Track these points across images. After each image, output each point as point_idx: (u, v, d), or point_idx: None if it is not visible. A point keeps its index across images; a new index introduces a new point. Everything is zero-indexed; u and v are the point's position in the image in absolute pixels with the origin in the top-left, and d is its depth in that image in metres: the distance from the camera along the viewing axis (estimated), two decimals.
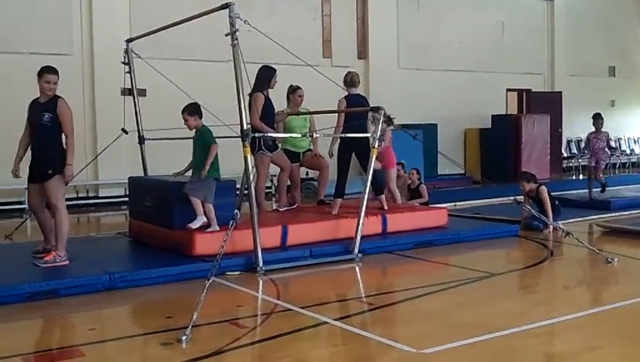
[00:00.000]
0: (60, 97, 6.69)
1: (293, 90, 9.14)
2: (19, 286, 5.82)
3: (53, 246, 6.70)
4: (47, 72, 6.67)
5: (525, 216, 8.88)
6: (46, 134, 6.60)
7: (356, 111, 8.31)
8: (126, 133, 9.47)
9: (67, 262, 6.61)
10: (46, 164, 6.56)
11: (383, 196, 8.67)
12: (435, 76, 17.70)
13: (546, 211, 8.82)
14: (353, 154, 8.47)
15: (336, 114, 8.47)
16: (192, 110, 7.28)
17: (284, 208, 8.80)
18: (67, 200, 6.86)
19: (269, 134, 7.92)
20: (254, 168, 6.98)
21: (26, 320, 5.44)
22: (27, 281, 5.94)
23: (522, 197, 9.04)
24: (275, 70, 8.42)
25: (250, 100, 8.11)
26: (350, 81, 8.58)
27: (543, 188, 9.12)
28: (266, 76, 8.34)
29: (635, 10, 22.42)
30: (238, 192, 8.25)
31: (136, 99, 9.38)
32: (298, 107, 9.15)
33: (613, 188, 13.99)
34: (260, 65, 8.45)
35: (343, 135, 8.20)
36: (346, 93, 8.51)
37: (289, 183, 9.13)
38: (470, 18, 18.48)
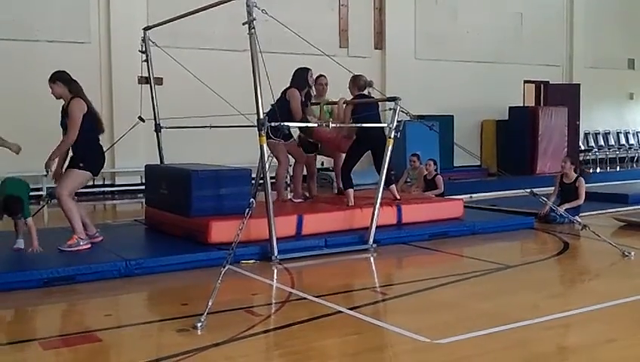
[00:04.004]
0: (74, 97, 6.77)
1: (314, 80, 9.06)
2: (36, 272, 5.89)
3: (93, 232, 7.00)
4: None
5: (546, 210, 8.84)
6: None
7: (368, 102, 8.28)
8: (143, 121, 9.50)
9: (89, 245, 6.74)
10: (78, 157, 6.76)
11: (394, 186, 8.64)
12: (452, 67, 17.61)
13: (575, 202, 9.01)
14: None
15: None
16: None
17: (299, 200, 8.76)
18: (84, 187, 6.92)
19: (285, 123, 7.86)
20: (270, 157, 6.98)
21: (44, 306, 5.50)
22: (45, 267, 6.00)
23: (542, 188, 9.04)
24: (309, 70, 8.55)
25: (284, 97, 8.23)
26: (364, 85, 8.47)
27: (582, 181, 9.16)
28: (301, 76, 8.51)
29: None
30: (253, 181, 8.27)
31: (153, 88, 9.41)
32: (322, 95, 9.05)
33: (631, 181, 13.90)
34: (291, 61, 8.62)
35: (359, 125, 8.17)
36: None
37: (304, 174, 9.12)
38: (488, 9, 18.35)
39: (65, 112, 6.81)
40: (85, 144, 6.75)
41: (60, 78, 6.83)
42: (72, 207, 6.70)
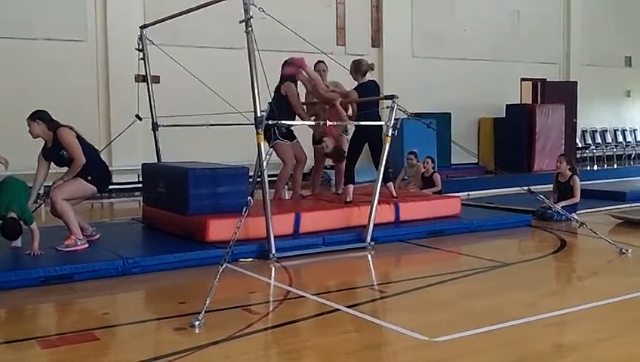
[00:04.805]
0: (57, 129, 6.76)
1: (313, 66, 8.85)
2: (34, 271, 5.88)
3: (90, 231, 7.05)
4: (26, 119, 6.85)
5: (546, 206, 8.82)
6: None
7: (369, 100, 8.25)
8: (140, 119, 9.49)
9: (87, 245, 6.73)
10: (88, 171, 6.80)
11: (391, 183, 8.63)
12: (450, 65, 17.61)
13: (571, 201, 9.06)
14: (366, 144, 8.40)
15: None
16: None
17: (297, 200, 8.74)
18: None
19: (284, 122, 7.82)
20: (268, 155, 6.96)
21: (41, 304, 5.50)
22: (42, 266, 5.99)
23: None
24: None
25: (278, 88, 8.21)
26: (367, 70, 8.36)
27: (577, 179, 9.20)
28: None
29: None
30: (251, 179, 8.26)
31: (149, 86, 9.40)
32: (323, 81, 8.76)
33: (628, 179, 13.92)
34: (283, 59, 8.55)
35: (357, 123, 8.14)
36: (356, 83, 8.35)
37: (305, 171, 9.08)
38: (485, 6, 18.37)
39: (51, 149, 6.81)
40: (89, 163, 6.77)
41: (41, 118, 6.79)
42: (67, 209, 6.68)
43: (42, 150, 6.94)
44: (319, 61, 8.84)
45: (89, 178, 6.79)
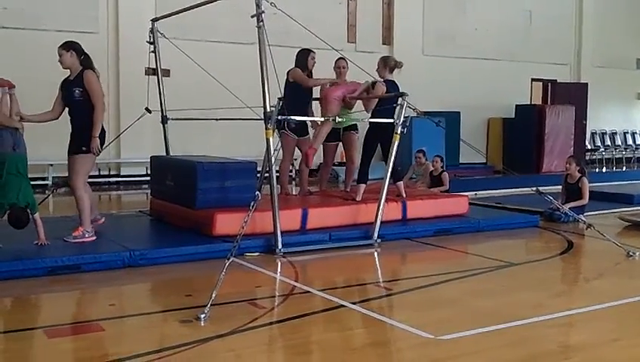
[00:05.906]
0: (87, 69, 6.64)
1: (334, 63, 8.83)
2: (41, 261, 5.91)
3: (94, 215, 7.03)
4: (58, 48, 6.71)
5: (554, 207, 8.77)
6: (81, 110, 6.59)
7: (389, 96, 8.20)
8: (149, 112, 9.51)
9: (94, 237, 6.73)
10: (81, 139, 6.60)
11: (402, 183, 8.61)
12: (460, 64, 17.55)
13: (579, 202, 9.08)
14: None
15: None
16: None
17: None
18: (89, 177, 6.92)
19: (293, 118, 7.77)
20: (276, 151, 6.96)
21: (48, 294, 5.53)
22: (49, 256, 6.02)
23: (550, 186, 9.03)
24: (311, 51, 8.50)
25: (287, 78, 8.25)
26: (394, 66, 8.33)
27: (586, 181, 9.18)
28: (302, 57, 8.47)
29: None
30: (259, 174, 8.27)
31: (160, 79, 9.41)
32: (341, 78, 8.71)
33: (637, 181, 13.86)
34: (297, 50, 8.59)
35: (371, 120, 8.10)
36: (382, 79, 8.27)
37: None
38: (497, 6, 18.30)
39: (70, 83, 6.66)
40: (85, 132, 6.56)
41: (75, 49, 6.66)
42: (85, 199, 6.67)
43: (64, 80, 6.80)
44: (339, 58, 8.77)
45: (83, 148, 6.58)
